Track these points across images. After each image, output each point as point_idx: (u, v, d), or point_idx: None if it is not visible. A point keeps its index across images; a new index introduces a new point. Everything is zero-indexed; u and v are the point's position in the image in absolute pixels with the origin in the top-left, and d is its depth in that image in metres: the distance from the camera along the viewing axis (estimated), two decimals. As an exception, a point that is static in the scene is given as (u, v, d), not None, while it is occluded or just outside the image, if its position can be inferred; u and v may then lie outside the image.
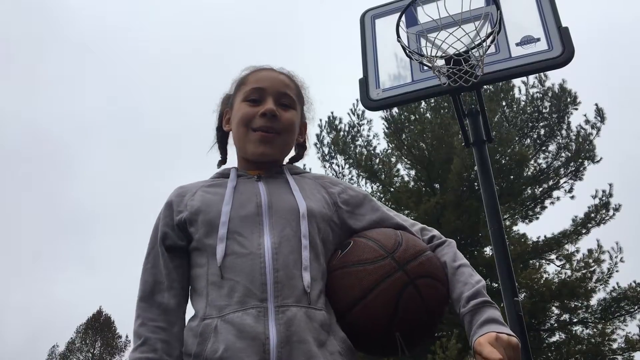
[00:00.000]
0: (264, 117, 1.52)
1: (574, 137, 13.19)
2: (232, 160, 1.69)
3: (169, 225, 1.49)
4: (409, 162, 13.97)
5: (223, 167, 1.71)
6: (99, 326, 36.87)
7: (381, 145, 15.91)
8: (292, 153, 1.72)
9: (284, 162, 1.68)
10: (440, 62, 3.11)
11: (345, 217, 1.54)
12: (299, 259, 1.37)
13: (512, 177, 12.95)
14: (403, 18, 3.27)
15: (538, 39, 3.15)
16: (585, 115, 13.07)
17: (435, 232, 1.58)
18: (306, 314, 1.29)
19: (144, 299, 1.43)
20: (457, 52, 3.01)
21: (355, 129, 13.85)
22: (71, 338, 36.49)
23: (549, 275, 12.59)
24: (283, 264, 1.34)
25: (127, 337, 37.09)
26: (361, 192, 1.63)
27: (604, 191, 12.96)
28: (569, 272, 12.37)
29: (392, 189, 13.42)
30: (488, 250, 12.34)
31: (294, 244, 1.39)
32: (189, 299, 1.48)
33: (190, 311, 1.46)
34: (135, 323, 1.40)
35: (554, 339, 12.90)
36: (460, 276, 1.41)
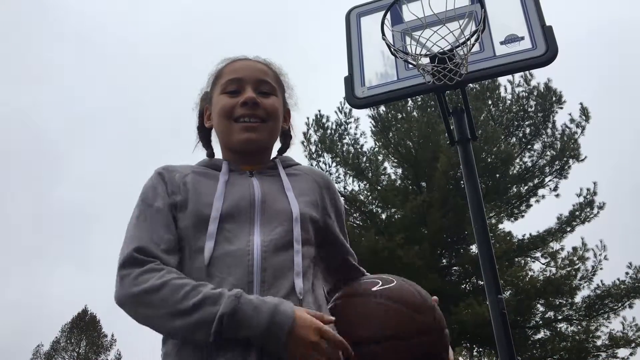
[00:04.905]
0: (244, 106, 1.48)
1: (559, 136, 13.29)
2: (218, 156, 1.62)
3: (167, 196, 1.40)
4: (395, 160, 14.01)
5: (213, 158, 1.62)
6: (84, 325, 36.64)
7: (368, 143, 15.91)
8: (278, 144, 1.66)
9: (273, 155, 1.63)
10: (425, 61, 3.11)
11: (330, 225, 1.52)
12: (287, 261, 1.32)
13: (497, 175, 13.03)
14: (388, 16, 3.26)
15: (522, 38, 3.17)
16: (570, 114, 13.19)
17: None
18: None
19: (137, 259, 1.26)
20: (441, 50, 3.02)
21: (343, 127, 13.85)
22: (56, 337, 36.25)
23: (534, 272, 12.71)
24: (271, 264, 1.29)
25: (112, 336, 36.93)
26: (343, 206, 1.62)
27: (588, 189, 13.09)
28: (553, 270, 12.49)
29: (379, 187, 13.45)
30: (474, 248, 12.41)
31: (284, 245, 1.34)
32: None
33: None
34: (153, 282, 1.21)
35: (538, 336, 13.02)
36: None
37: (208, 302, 1.16)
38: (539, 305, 12.74)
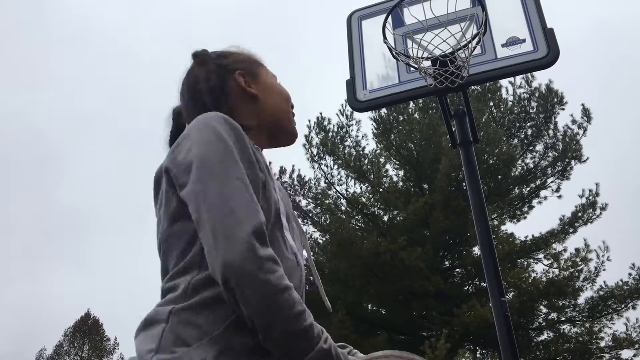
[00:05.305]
0: (291, 108, 1.49)
1: (560, 137, 13.29)
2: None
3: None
4: (397, 162, 14.02)
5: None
6: (87, 329, 36.61)
7: (370, 145, 15.93)
8: None
9: None
10: (427, 64, 3.12)
11: None
12: (304, 283, 1.26)
13: (499, 177, 13.03)
14: (389, 19, 3.26)
15: (523, 40, 3.17)
16: (571, 115, 13.19)
17: None
18: None
19: (265, 238, 1.00)
20: (443, 53, 3.02)
21: (344, 130, 13.86)
22: (59, 341, 36.19)
23: (536, 274, 12.68)
24: (305, 284, 1.22)
25: (115, 339, 36.87)
26: None
27: (590, 190, 13.08)
28: (556, 271, 12.46)
29: (381, 190, 13.45)
30: (476, 250, 12.39)
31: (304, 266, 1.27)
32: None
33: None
34: (280, 281, 0.96)
35: (542, 337, 12.99)
36: None
37: (312, 333, 0.98)
38: (542, 307, 12.72)
